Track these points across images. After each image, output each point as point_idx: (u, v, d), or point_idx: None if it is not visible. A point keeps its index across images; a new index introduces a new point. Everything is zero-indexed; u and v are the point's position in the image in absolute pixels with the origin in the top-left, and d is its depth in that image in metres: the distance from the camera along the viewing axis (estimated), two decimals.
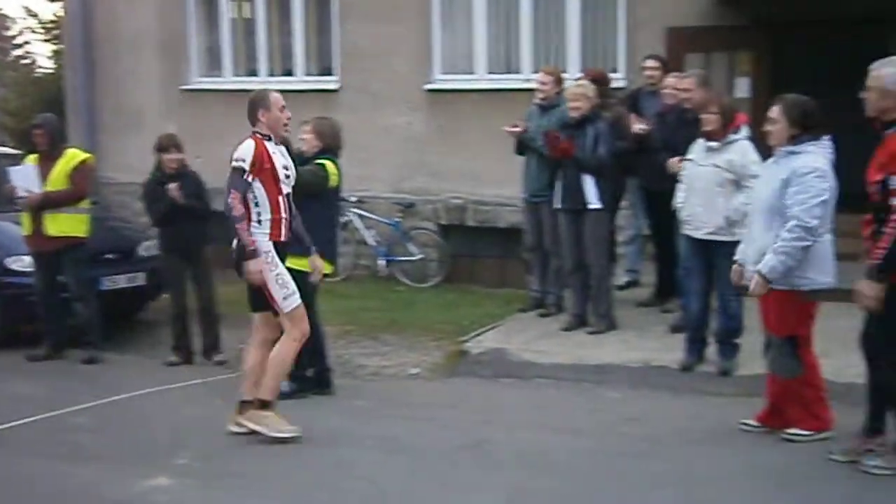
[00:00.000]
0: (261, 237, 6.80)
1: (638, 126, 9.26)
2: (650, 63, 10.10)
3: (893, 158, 5.74)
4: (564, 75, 10.32)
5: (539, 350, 8.82)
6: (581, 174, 8.98)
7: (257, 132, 6.93)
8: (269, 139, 6.93)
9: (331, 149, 8.02)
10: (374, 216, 12.55)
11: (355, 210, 12.53)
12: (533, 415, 7.51)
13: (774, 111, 6.48)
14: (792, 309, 6.45)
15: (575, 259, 9.21)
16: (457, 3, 12.63)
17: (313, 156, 7.95)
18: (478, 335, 9.34)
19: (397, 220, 12.42)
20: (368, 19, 12.78)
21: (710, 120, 7.69)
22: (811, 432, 6.58)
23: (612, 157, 9.03)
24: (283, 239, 6.94)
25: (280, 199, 6.92)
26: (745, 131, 7.78)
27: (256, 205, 6.82)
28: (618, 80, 11.35)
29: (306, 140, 8.01)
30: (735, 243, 7.33)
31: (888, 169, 5.76)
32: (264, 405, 6.92)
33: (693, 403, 7.59)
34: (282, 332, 6.98)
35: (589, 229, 9.10)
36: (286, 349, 6.94)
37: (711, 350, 8.14)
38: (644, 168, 9.41)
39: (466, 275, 12.29)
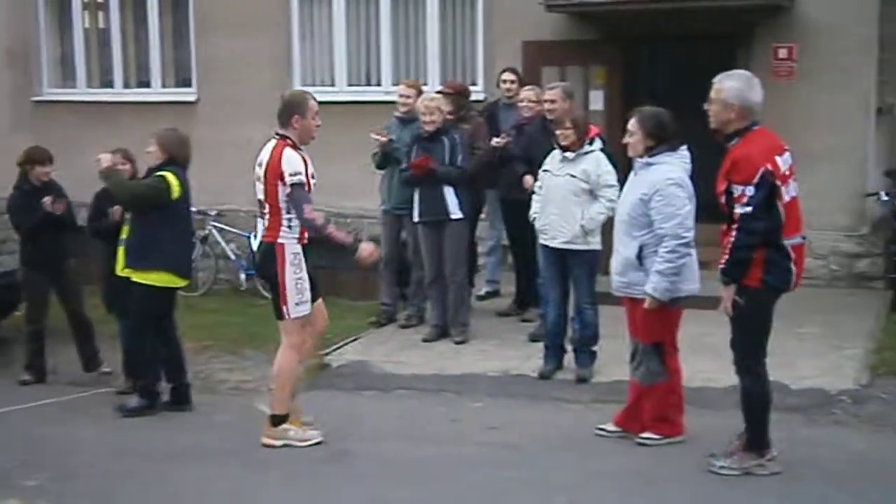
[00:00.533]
0: (291, 241, 6.86)
1: (495, 140, 9.39)
2: (507, 76, 10.26)
3: (735, 168, 5.93)
4: (425, 87, 10.42)
5: (400, 361, 8.85)
6: (441, 185, 9.06)
7: (288, 138, 6.88)
8: (297, 146, 6.91)
9: (176, 161, 7.91)
10: (234, 229, 12.41)
11: (215, 223, 12.38)
12: (394, 426, 7.53)
13: (631, 123, 6.66)
14: (659, 317, 6.63)
15: (435, 270, 9.27)
16: (316, 15, 12.62)
17: (156, 168, 7.84)
18: (339, 348, 9.31)
19: None
20: (227, 30, 12.66)
21: (566, 133, 7.87)
22: (663, 437, 6.76)
23: (470, 168, 9.15)
24: (306, 242, 6.98)
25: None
26: (598, 143, 7.99)
27: (288, 211, 6.83)
28: (477, 92, 11.48)
29: (151, 153, 7.89)
30: (590, 252, 7.49)
31: (731, 178, 5.95)
32: (276, 420, 6.99)
33: (552, 411, 7.70)
34: (325, 321, 7.28)
35: (449, 240, 9.18)
36: (287, 359, 6.98)
37: (570, 358, 8.29)
38: (502, 179, 9.55)
39: (329, 287, 12.17)
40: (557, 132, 7.94)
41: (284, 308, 6.89)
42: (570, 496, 6.05)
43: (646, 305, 6.53)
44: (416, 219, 9.27)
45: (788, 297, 10.19)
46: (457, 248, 9.23)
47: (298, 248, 6.88)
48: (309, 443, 6.97)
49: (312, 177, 6.96)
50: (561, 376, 8.24)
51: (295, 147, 6.86)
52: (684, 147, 6.67)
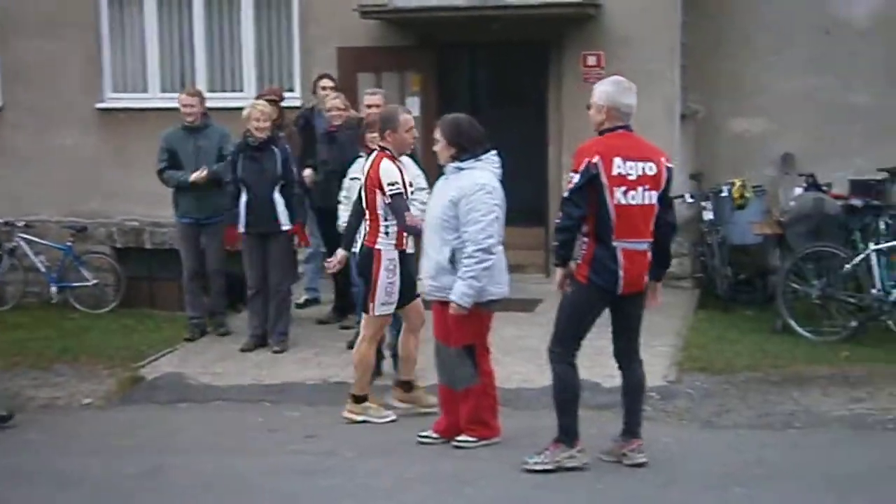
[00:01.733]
0: (388, 247, 7.21)
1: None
2: (325, 83, 10.24)
3: (574, 158, 6.23)
4: (241, 94, 10.30)
5: (217, 372, 8.71)
6: (272, 196, 8.97)
7: (386, 149, 7.20)
8: (395, 157, 7.20)
9: None
10: (43, 241, 12.00)
11: (23, 235, 11.94)
12: (211, 438, 7.40)
13: (436, 131, 6.74)
14: (470, 320, 6.68)
15: (259, 280, 9.17)
16: (127, 20, 12.31)
17: None
18: (154, 360, 9.11)
19: (69, 244, 11.91)
20: (33, 34, 12.22)
21: (376, 137, 7.90)
22: (479, 439, 6.84)
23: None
24: (405, 249, 7.33)
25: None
26: None
27: (385, 218, 7.16)
28: (294, 98, 11.43)
29: None
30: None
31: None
32: (357, 399, 7.54)
33: None
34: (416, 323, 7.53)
35: (276, 250, 9.12)
36: (363, 351, 7.48)
37: (389, 363, 8.31)
38: (316, 186, 9.53)
39: (145, 299, 11.98)
40: (371, 136, 7.96)
41: (371, 304, 7.28)
42: (387, 502, 6.08)
43: (450, 311, 6.61)
44: (241, 229, 9.11)
45: None
46: (283, 258, 9.20)
47: (395, 255, 7.24)
48: (386, 419, 7.48)
49: (410, 184, 7.36)
50: (380, 382, 8.24)
51: (393, 158, 7.17)
52: (492, 152, 6.76)
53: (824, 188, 10.73)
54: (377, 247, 7.21)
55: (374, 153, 7.26)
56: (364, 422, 7.48)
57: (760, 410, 7.57)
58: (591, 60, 11.08)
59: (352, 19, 11.17)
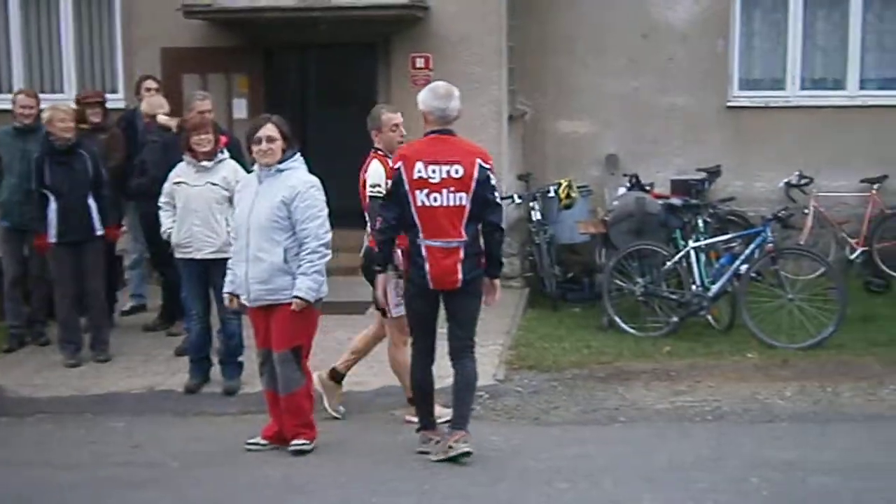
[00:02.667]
0: None
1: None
2: (149, 84, 9.98)
3: None
4: (62, 96, 9.97)
5: (37, 384, 8.39)
6: (85, 201, 8.68)
7: (378, 150, 7.13)
8: (389, 156, 6.98)
9: None
10: None
11: None
12: (30, 453, 7.12)
13: (271, 130, 6.63)
14: (301, 320, 6.65)
15: (75, 288, 8.86)
16: None
17: None
18: None
19: None
20: None
21: (208, 140, 7.82)
22: (311, 441, 6.79)
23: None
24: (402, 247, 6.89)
25: None
26: (226, 151, 8.04)
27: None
28: (117, 100, 11.13)
29: None
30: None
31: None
32: (413, 401, 7.08)
33: (199, 425, 7.56)
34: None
35: (92, 257, 8.82)
36: (396, 357, 7.26)
37: (217, 370, 8.17)
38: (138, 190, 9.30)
39: None
40: (198, 139, 7.81)
41: (387, 309, 7.00)
42: None
43: (293, 308, 6.55)
44: (52, 239, 8.74)
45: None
46: (98, 265, 8.90)
47: (397, 254, 6.82)
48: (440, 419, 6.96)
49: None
50: (208, 389, 8.10)
51: (383, 158, 7.03)
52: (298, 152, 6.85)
53: (647, 188, 11.06)
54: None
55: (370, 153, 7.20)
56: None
57: (587, 406, 7.72)
58: (420, 62, 11.13)
59: (176, 19, 10.95)
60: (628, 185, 11.06)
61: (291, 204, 6.55)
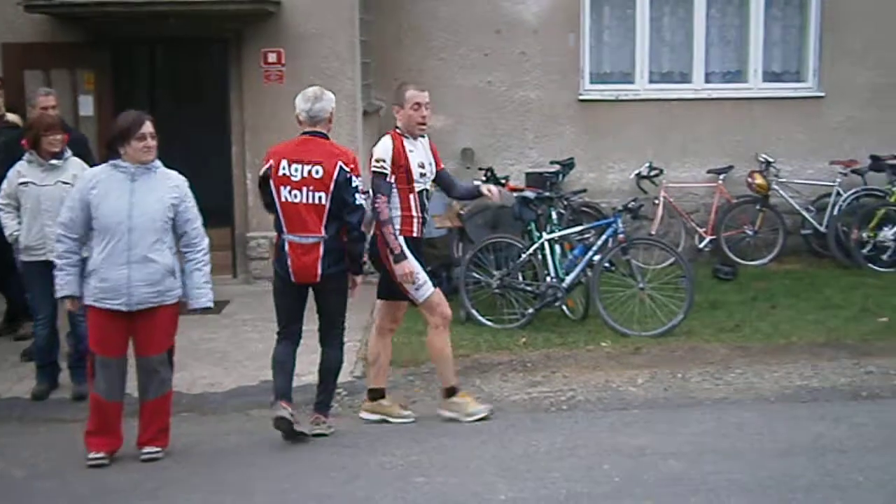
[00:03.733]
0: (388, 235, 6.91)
1: None
2: None
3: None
4: None
5: None
6: None
7: (397, 128, 7.05)
8: (407, 136, 7.00)
9: None
10: None
11: None
12: None
13: (150, 126, 6.45)
14: (173, 322, 6.60)
15: None
16: None
17: None
18: None
19: None
20: None
21: (57, 140, 7.63)
22: (165, 448, 6.63)
23: None
24: (415, 234, 7.06)
25: (411, 196, 7.02)
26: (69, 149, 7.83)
27: (388, 201, 6.89)
28: None
29: None
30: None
31: None
32: (451, 392, 7.22)
33: (47, 434, 7.31)
34: (395, 322, 7.35)
35: None
36: (437, 342, 7.19)
37: (66, 375, 7.93)
38: None
39: None
40: (52, 139, 7.57)
41: (411, 296, 7.05)
42: None
43: (191, 306, 6.57)
44: None
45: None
46: None
47: (400, 239, 6.93)
48: (475, 417, 7.16)
49: (421, 167, 7.06)
50: (57, 395, 7.86)
51: (399, 136, 7.01)
52: None
53: (502, 181, 11.16)
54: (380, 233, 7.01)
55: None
56: (454, 417, 7.21)
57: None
58: (272, 57, 10.99)
59: (16, 13, 10.58)
60: (483, 178, 11.14)
61: (181, 205, 6.46)
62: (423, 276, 7.10)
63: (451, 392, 7.31)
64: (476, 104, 12.21)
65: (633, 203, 9.83)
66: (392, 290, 7.14)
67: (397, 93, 7.24)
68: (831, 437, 6.56)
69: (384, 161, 6.91)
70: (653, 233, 11.46)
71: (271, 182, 6.69)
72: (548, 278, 9.50)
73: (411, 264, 6.99)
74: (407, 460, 6.45)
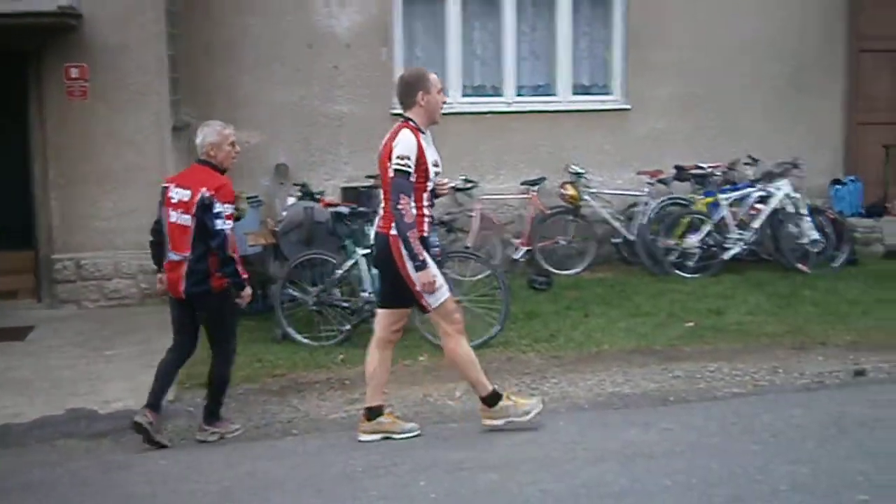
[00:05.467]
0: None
1: None
2: None
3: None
4: None
5: None
6: None
7: (411, 120, 6.57)
8: (420, 129, 6.58)
9: None
10: None
11: None
12: None
13: None
14: None
15: None
16: None
17: None
18: None
19: None
20: None
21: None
22: None
23: None
24: (426, 234, 6.67)
25: (425, 194, 6.63)
26: None
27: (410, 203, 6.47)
28: None
29: None
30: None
31: None
32: (489, 401, 6.84)
33: None
34: (398, 333, 7.01)
35: None
36: (454, 350, 6.79)
37: None
38: None
39: None
40: None
41: (423, 302, 6.69)
42: None
43: None
44: None
45: (101, 320, 10.17)
46: None
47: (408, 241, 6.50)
48: (527, 417, 6.88)
49: (435, 164, 6.64)
50: None
51: (416, 130, 6.53)
52: None
53: (317, 196, 11.06)
54: (393, 233, 6.55)
55: (393, 127, 6.64)
56: (509, 423, 6.89)
57: (259, 421, 7.61)
58: (74, 73, 10.63)
59: None
60: (298, 194, 11.02)
61: None
62: (441, 277, 6.73)
63: (494, 399, 6.91)
64: (289, 119, 12.10)
65: (448, 216, 9.87)
66: (399, 297, 6.77)
67: (419, 76, 6.71)
68: (641, 443, 6.70)
69: (409, 158, 6.41)
70: (468, 245, 11.55)
71: (163, 204, 7.08)
72: (363, 294, 9.45)
73: (433, 271, 6.61)
74: (220, 486, 6.27)
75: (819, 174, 12.98)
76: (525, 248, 12.21)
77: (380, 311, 7.04)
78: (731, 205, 12.00)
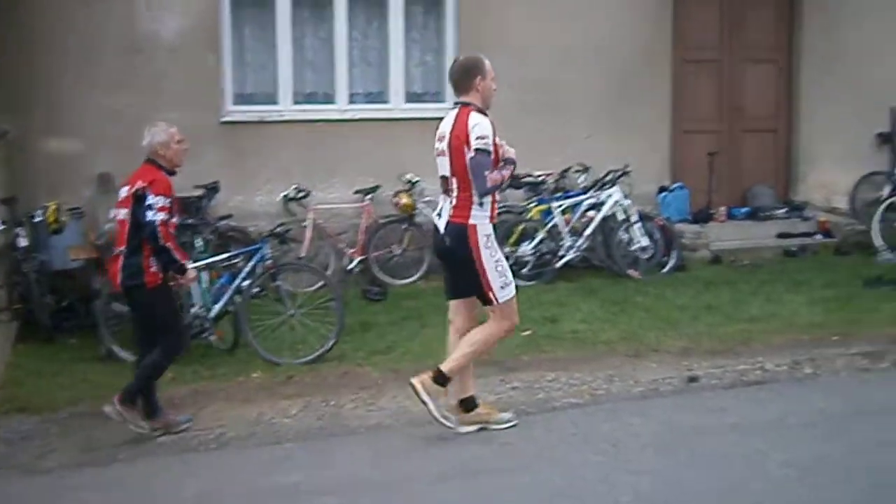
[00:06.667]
0: (483, 220, 6.61)
1: None
2: None
3: None
4: None
5: None
6: None
7: (472, 104, 6.64)
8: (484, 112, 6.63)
9: None
10: None
11: None
12: None
13: None
14: None
15: None
16: None
17: None
18: None
19: None
20: None
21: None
22: None
23: None
24: (494, 221, 6.69)
25: None
26: None
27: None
28: None
29: None
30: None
31: None
32: (439, 379, 6.81)
33: None
34: (473, 321, 6.91)
35: None
36: (491, 333, 6.80)
37: None
38: None
39: None
40: None
41: (491, 294, 6.70)
42: None
43: None
44: None
45: None
46: None
47: (490, 229, 6.65)
48: (508, 424, 7.06)
49: (500, 145, 6.70)
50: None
51: (481, 112, 6.62)
52: None
53: None
54: (471, 222, 6.61)
55: (455, 110, 6.72)
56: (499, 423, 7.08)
57: (85, 447, 7.20)
58: None
59: None
60: None
61: None
62: (509, 273, 6.89)
63: (470, 404, 7.10)
64: (114, 127, 11.53)
65: (280, 227, 9.63)
66: (472, 285, 6.79)
67: (474, 62, 6.84)
68: (483, 459, 6.63)
69: (488, 138, 6.55)
70: (302, 256, 11.31)
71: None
72: (193, 308, 9.11)
73: (497, 251, 6.79)
74: None
75: (647, 181, 13.20)
76: (359, 258, 12.02)
77: (454, 303, 7.06)
78: (563, 212, 12.10)
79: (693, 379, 8.28)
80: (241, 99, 12.17)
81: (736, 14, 14.02)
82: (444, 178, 6.88)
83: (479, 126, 6.59)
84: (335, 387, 8.30)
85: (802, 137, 14.27)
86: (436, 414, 6.91)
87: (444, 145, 6.79)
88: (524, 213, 12.22)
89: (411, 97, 12.79)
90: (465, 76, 6.83)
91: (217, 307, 9.15)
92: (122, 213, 7.31)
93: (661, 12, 13.49)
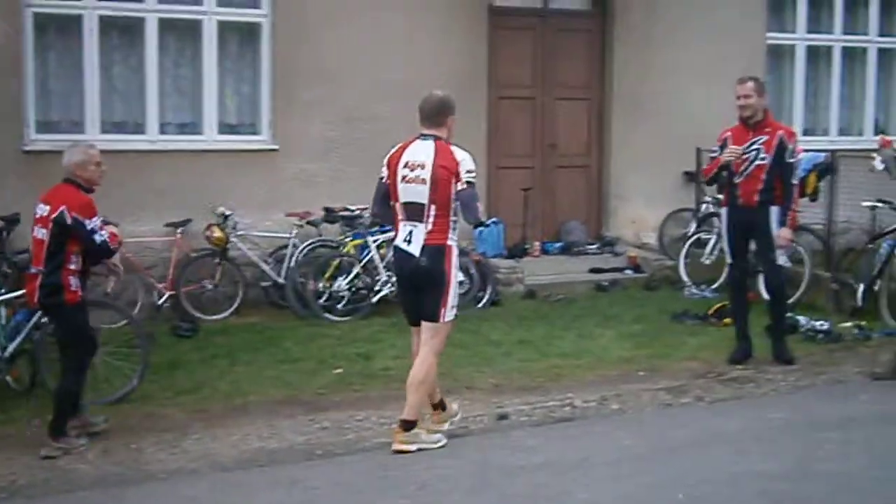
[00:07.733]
0: (455, 241, 7.11)
1: None
2: None
3: None
4: None
5: None
6: None
7: (441, 138, 7.07)
8: None
9: None
10: None
11: None
12: None
13: None
14: None
15: None
16: None
17: None
18: None
19: None
20: None
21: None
22: None
23: None
24: None
25: None
26: None
27: (455, 213, 7.08)
28: None
29: None
30: None
31: None
32: (409, 426, 7.13)
33: None
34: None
35: None
36: (431, 365, 7.14)
37: None
38: None
39: None
40: None
41: (442, 311, 7.06)
42: None
43: None
44: None
45: None
46: None
47: (457, 250, 7.13)
48: (438, 444, 7.27)
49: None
50: None
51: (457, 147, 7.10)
52: None
53: None
54: (449, 243, 7.06)
55: (429, 142, 7.07)
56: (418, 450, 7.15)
57: None
58: None
59: None
60: None
61: None
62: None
63: (410, 426, 7.25)
64: None
65: None
66: (434, 304, 7.13)
67: (451, 101, 7.26)
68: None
69: (475, 172, 7.15)
70: (108, 291, 10.87)
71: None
72: None
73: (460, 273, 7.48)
74: None
75: None
76: (169, 293, 11.67)
77: (417, 329, 7.34)
78: (379, 247, 12.02)
79: (503, 416, 8.28)
80: (45, 127, 11.71)
81: (549, 52, 14.31)
82: (413, 204, 7.12)
83: (467, 160, 7.10)
84: (136, 429, 7.96)
85: (613, 174, 14.63)
86: (433, 445, 7.32)
87: (424, 174, 7.05)
88: (341, 247, 12.10)
89: (224, 128, 12.55)
90: (441, 112, 7.21)
91: (13, 346, 8.68)
92: (41, 233, 7.36)
93: (478, 49, 13.64)
